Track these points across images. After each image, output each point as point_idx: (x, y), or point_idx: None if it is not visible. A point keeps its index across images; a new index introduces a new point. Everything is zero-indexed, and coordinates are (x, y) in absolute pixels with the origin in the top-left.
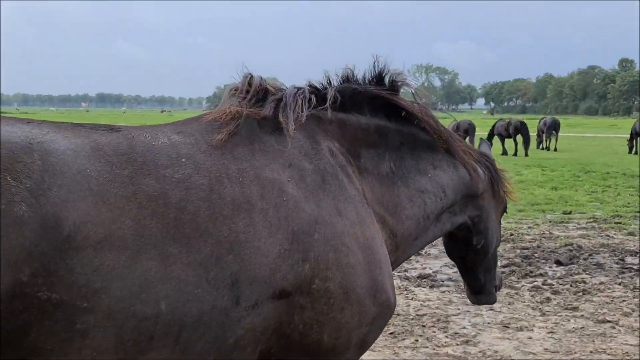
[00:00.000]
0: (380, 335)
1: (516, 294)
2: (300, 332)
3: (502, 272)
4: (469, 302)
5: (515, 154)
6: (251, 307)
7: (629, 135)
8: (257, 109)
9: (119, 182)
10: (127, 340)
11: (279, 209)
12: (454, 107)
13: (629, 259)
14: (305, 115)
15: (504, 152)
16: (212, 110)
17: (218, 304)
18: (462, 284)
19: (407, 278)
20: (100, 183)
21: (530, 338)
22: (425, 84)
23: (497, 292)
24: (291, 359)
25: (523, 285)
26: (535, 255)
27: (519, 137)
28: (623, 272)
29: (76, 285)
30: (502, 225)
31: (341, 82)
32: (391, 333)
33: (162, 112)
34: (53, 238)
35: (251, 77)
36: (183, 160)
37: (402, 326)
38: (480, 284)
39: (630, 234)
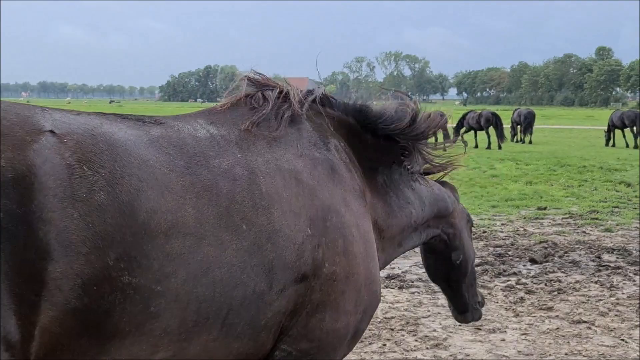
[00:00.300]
0: None
1: (489, 294)
2: (307, 313)
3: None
4: (439, 303)
5: (488, 147)
6: (280, 291)
7: (606, 127)
8: (273, 102)
9: (178, 172)
10: (189, 321)
11: (299, 197)
12: (424, 97)
13: (605, 257)
14: (307, 106)
15: (476, 145)
16: (226, 98)
17: (257, 289)
18: (431, 285)
19: None
20: (163, 173)
21: (503, 340)
22: (395, 73)
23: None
24: (294, 343)
25: (496, 285)
26: (509, 253)
27: (492, 130)
28: (599, 270)
29: (151, 270)
30: (475, 222)
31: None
32: None
33: (110, 102)
34: (130, 225)
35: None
36: (224, 151)
37: (369, 330)
38: (465, 302)
39: (607, 230)
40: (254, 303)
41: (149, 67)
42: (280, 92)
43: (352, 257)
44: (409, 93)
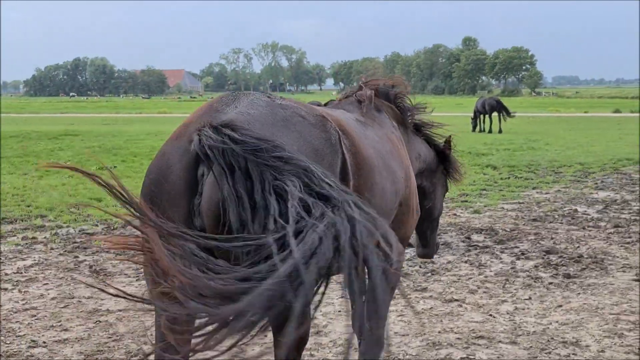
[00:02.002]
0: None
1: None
2: (392, 228)
3: None
4: (320, 291)
5: None
6: (395, 208)
7: (472, 114)
8: (369, 98)
9: (369, 143)
10: (380, 208)
11: (398, 156)
12: (302, 88)
13: (474, 237)
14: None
15: None
16: (340, 94)
17: (392, 205)
18: None
19: None
20: (369, 143)
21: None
22: (273, 64)
23: (435, 253)
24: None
25: None
26: None
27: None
28: (469, 250)
29: (374, 182)
30: None
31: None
32: None
33: None
34: (365, 162)
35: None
36: (365, 127)
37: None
38: (426, 239)
39: (476, 211)
40: (391, 212)
41: (11, 60)
42: (372, 92)
43: (414, 197)
44: (287, 84)
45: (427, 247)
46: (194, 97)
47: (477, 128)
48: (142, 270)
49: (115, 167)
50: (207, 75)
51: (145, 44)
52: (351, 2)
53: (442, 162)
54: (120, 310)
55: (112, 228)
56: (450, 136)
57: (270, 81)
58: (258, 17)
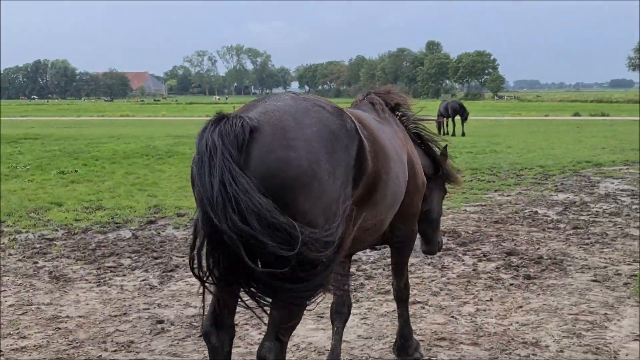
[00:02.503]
0: (189, 339)
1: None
2: (404, 205)
3: None
4: None
5: None
6: (402, 194)
7: (436, 117)
8: (379, 101)
9: (385, 136)
10: (392, 205)
11: (405, 149)
12: (267, 91)
13: None
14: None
15: None
16: (355, 99)
17: (402, 189)
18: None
19: None
20: (385, 136)
21: (344, 326)
22: (237, 67)
23: (439, 249)
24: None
25: None
26: None
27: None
28: None
29: (388, 169)
30: None
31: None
32: (201, 336)
33: None
34: (382, 150)
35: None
36: (383, 127)
37: None
38: (429, 237)
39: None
40: (400, 196)
41: None
42: (379, 97)
43: (420, 177)
44: (252, 87)
45: (430, 245)
46: (158, 100)
47: (442, 131)
48: (102, 275)
49: (76, 171)
50: (171, 78)
51: (108, 46)
52: (317, 5)
53: (438, 169)
54: (80, 317)
55: (72, 233)
56: (446, 145)
57: (235, 84)
58: (223, 20)
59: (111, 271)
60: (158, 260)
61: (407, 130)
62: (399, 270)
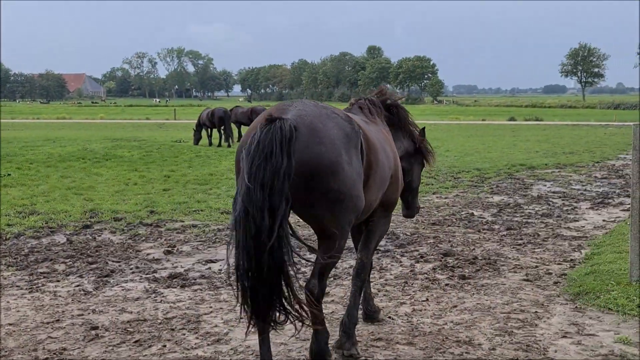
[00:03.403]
0: (124, 345)
1: None
2: (386, 194)
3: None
4: (221, 298)
5: (219, 145)
6: (388, 181)
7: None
8: (368, 105)
9: (373, 134)
10: (380, 181)
11: (389, 144)
12: (209, 94)
13: None
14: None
15: (210, 143)
16: (352, 100)
17: (387, 177)
18: (214, 281)
19: (156, 280)
20: (373, 134)
21: (282, 329)
22: (179, 69)
23: (417, 213)
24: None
25: None
26: None
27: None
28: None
29: (377, 160)
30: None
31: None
32: (136, 341)
33: None
34: (373, 145)
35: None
36: (370, 126)
37: (149, 332)
38: (409, 203)
39: None
40: (387, 180)
41: None
42: (367, 102)
43: (399, 169)
44: (193, 90)
45: (410, 209)
46: (96, 102)
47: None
48: (35, 282)
49: (9, 174)
50: (109, 79)
51: (44, 47)
52: (260, 8)
53: (417, 148)
54: (10, 325)
55: (4, 239)
56: (424, 127)
57: (176, 87)
58: (164, 21)
59: (44, 277)
60: (93, 266)
61: (392, 124)
62: (368, 246)
